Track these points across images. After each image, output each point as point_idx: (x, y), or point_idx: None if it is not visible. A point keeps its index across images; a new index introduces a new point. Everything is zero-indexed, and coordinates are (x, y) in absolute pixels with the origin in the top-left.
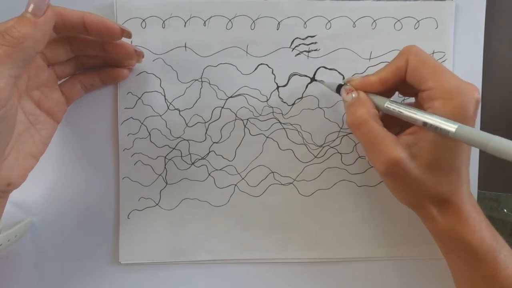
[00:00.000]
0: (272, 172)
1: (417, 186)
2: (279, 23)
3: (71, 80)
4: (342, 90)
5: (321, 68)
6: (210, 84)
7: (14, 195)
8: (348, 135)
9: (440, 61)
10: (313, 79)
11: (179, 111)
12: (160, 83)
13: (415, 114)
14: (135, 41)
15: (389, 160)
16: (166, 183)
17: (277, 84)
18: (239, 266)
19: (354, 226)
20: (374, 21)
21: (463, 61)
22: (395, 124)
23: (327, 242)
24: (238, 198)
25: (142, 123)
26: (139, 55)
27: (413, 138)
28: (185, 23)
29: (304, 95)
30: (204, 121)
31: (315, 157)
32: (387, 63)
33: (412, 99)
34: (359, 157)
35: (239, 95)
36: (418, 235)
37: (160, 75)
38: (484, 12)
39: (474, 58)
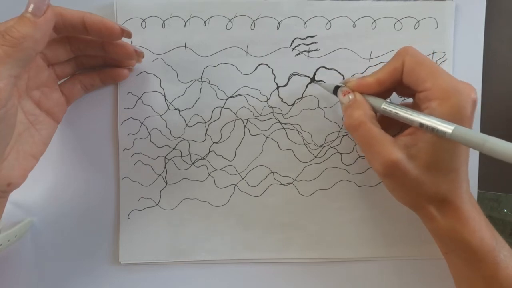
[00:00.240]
0: (272, 172)
1: (416, 187)
2: (279, 23)
3: (71, 80)
4: (339, 92)
5: (321, 68)
6: (210, 84)
7: (14, 195)
8: (348, 135)
9: (440, 61)
10: (312, 79)
11: (179, 111)
12: (160, 83)
13: (411, 115)
14: (135, 41)
15: (387, 162)
16: (166, 183)
17: (277, 84)
18: (239, 266)
19: (354, 226)
20: (374, 21)
21: (463, 61)
22: (393, 125)
23: (327, 242)
24: (238, 198)
25: (142, 123)
26: (139, 55)
27: (411, 139)
28: (185, 23)
29: (304, 95)
30: (204, 121)
31: (315, 157)
32: (386, 63)
33: (411, 100)
34: (359, 157)
35: (239, 95)
36: (418, 235)
37: (160, 75)
38: (484, 12)
39: (474, 58)
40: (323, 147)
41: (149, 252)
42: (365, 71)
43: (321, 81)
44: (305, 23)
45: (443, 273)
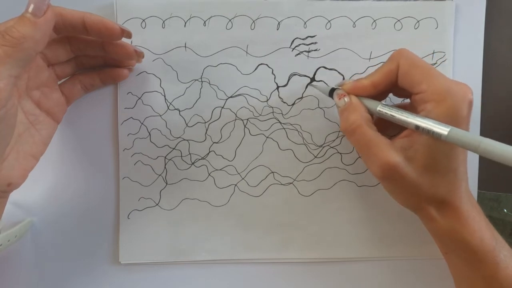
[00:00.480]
0: (272, 172)
1: (414, 188)
2: (279, 23)
3: (71, 80)
4: (335, 95)
5: (321, 68)
6: (210, 84)
7: (14, 195)
8: None
9: (440, 61)
10: (312, 79)
11: (179, 111)
12: (160, 83)
13: (407, 117)
14: (135, 41)
15: (384, 165)
16: (166, 183)
17: (277, 84)
18: (239, 266)
19: (354, 226)
20: (374, 21)
21: (463, 61)
22: (390, 126)
23: (327, 242)
24: (238, 198)
25: (142, 123)
26: (139, 55)
27: (408, 141)
28: (185, 23)
29: (304, 95)
30: (204, 121)
31: (315, 157)
32: (381, 65)
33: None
34: (359, 157)
35: (239, 95)
36: (418, 235)
37: (160, 75)
38: (484, 12)
39: (474, 58)
40: (323, 147)
41: (149, 252)
42: (365, 71)
43: (321, 80)
44: (305, 23)
45: (443, 273)
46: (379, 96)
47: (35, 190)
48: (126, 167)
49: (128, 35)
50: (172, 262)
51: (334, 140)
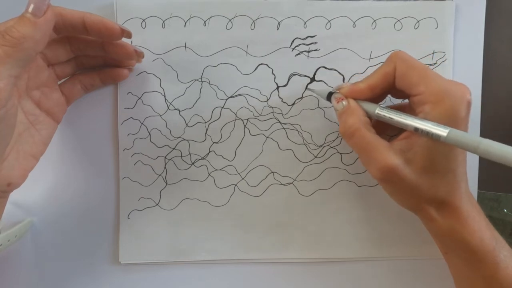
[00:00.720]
0: (272, 172)
1: (414, 190)
2: (279, 23)
3: (71, 80)
4: (332, 99)
5: (321, 68)
6: (210, 84)
7: (14, 195)
8: None
9: (440, 61)
10: (312, 79)
11: (179, 111)
12: (160, 83)
13: (405, 119)
14: (135, 41)
15: (384, 167)
16: (166, 183)
17: (277, 84)
18: (239, 266)
19: (354, 226)
20: (374, 21)
21: (463, 61)
22: (389, 127)
23: (327, 242)
24: (238, 198)
25: (142, 123)
26: (139, 55)
27: (407, 143)
28: (185, 23)
29: (304, 95)
30: (204, 121)
31: (315, 157)
32: (378, 68)
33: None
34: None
35: (239, 95)
36: (418, 235)
37: (160, 75)
38: (484, 12)
39: (474, 58)
40: (323, 147)
41: (149, 252)
42: (365, 71)
43: (321, 80)
44: (305, 23)
45: (443, 273)
46: (377, 98)
47: (35, 190)
48: (126, 167)
49: (128, 35)
50: (172, 262)
51: (334, 140)
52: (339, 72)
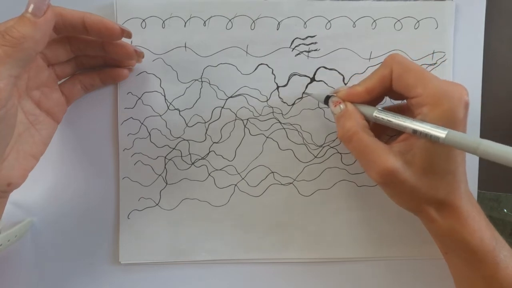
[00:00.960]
0: (272, 172)
1: (414, 192)
2: (279, 23)
3: (71, 80)
4: (330, 102)
5: (321, 68)
6: (210, 84)
7: (14, 195)
8: None
9: (440, 61)
10: (312, 79)
11: (179, 111)
12: (160, 83)
13: (403, 122)
14: (135, 41)
15: (383, 170)
16: (166, 183)
17: (277, 84)
18: (239, 266)
19: (354, 226)
20: (374, 21)
21: (463, 61)
22: (388, 129)
23: (327, 242)
24: (238, 198)
25: (142, 123)
26: (139, 55)
27: (405, 145)
28: (185, 23)
29: (304, 95)
30: (204, 121)
31: (315, 157)
32: (374, 71)
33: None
34: None
35: (239, 95)
36: (418, 235)
37: (160, 75)
38: (484, 12)
39: (474, 58)
40: (323, 147)
41: (149, 252)
42: (365, 71)
43: (321, 80)
44: (305, 23)
45: (443, 273)
46: (375, 100)
47: (35, 190)
48: (126, 167)
49: (128, 35)
50: (172, 262)
51: (334, 140)
52: (339, 72)
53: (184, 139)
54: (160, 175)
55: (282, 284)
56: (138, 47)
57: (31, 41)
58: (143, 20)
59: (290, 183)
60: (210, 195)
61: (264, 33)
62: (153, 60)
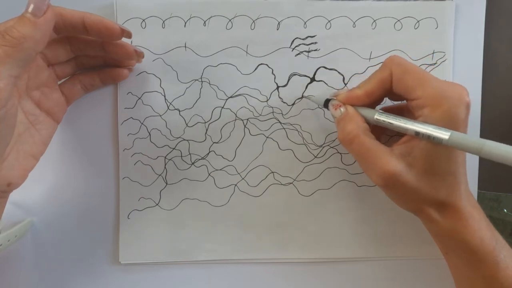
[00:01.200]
0: (272, 172)
1: (415, 193)
2: (279, 23)
3: (71, 80)
4: (330, 106)
5: (321, 68)
6: (210, 84)
7: (14, 195)
8: None
9: (440, 61)
10: (312, 79)
11: (179, 111)
12: (160, 83)
13: (405, 124)
14: (135, 41)
15: (385, 173)
16: (166, 183)
17: (277, 84)
18: (239, 266)
19: (354, 226)
20: (374, 21)
21: (463, 61)
22: (388, 131)
23: (327, 242)
24: (238, 198)
25: (142, 123)
26: (139, 55)
27: (406, 147)
28: (185, 23)
29: (304, 95)
30: (204, 121)
31: (315, 157)
32: (373, 73)
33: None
34: None
35: (239, 95)
36: (418, 235)
37: (160, 75)
38: (484, 12)
39: (474, 58)
40: (323, 147)
41: (149, 252)
42: (365, 71)
43: (321, 80)
44: (305, 23)
45: (443, 273)
46: (375, 102)
47: (35, 190)
48: (126, 167)
49: (128, 35)
50: (172, 262)
51: (334, 140)
52: (339, 72)
53: (184, 139)
54: (160, 175)
55: (282, 284)
56: (138, 47)
57: (31, 41)
58: (143, 20)
59: (290, 183)
60: (210, 195)
61: (264, 33)
62: (153, 60)
